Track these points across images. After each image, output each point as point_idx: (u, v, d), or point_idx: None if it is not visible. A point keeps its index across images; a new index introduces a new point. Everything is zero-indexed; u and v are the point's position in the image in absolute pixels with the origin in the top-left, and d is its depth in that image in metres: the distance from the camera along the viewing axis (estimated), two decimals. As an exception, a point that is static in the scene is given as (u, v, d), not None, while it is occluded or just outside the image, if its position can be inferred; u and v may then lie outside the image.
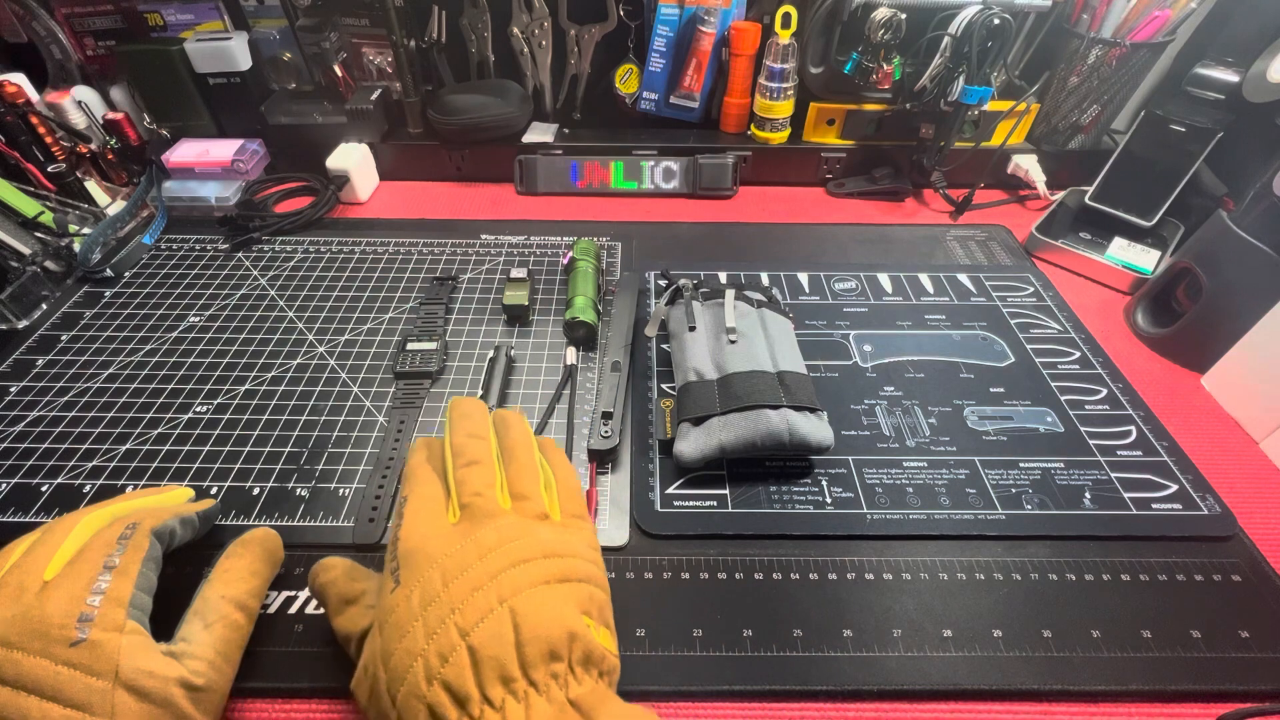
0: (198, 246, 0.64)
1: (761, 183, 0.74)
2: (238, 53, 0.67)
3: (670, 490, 0.42)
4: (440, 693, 0.23)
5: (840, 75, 0.66)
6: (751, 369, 0.43)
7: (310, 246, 0.64)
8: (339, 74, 0.70)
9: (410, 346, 0.51)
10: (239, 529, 0.37)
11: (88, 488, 0.42)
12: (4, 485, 0.42)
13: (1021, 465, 0.43)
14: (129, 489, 0.42)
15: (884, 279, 0.60)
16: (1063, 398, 0.48)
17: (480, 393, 0.48)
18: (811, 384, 0.44)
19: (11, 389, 0.49)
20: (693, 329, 0.47)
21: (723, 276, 0.58)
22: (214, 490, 0.42)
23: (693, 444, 0.41)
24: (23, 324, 0.54)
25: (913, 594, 0.37)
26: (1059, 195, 0.67)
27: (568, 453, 0.44)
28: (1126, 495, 0.42)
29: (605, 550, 0.39)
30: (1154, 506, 0.41)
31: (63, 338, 0.53)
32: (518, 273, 0.56)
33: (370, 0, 0.65)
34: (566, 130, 0.73)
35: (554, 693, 0.23)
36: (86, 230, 0.61)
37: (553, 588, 0.26)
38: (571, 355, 0.50)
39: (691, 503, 0.41)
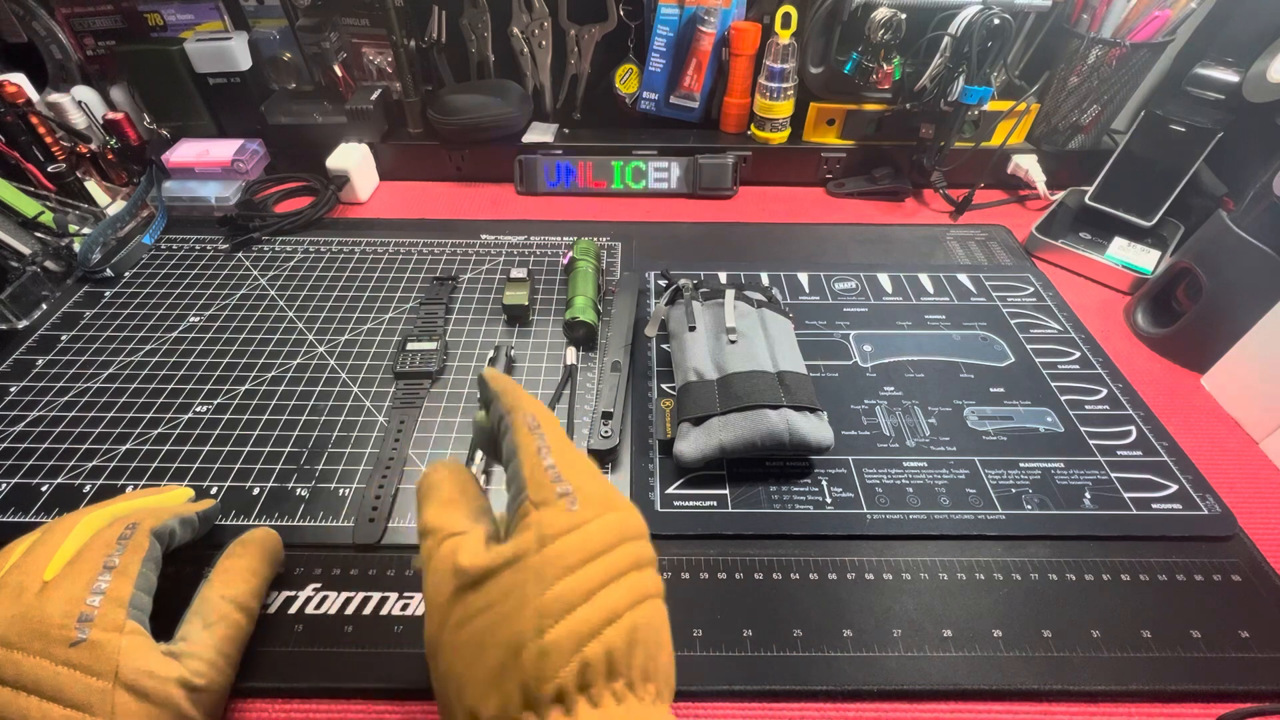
0: (198, 246, 0.64)
1: (761, 183, 0.74)
2: (238, 53, 0.67)
3: (670, 490, 0.42)
4: (600, 652, 0.20)
5: (840, 75, 0.66)
6: (751, 369, 0.43)
7: (310, 246, 0.64)
8: (339, 74, 0.70)
9: (410, 346, 0.51)
10: (239, 529, 0.37)
11: (88, 488, 0.42)
12: (4, 485, 0.42)
13: (1021, 465, 0.43)
14: (129, 489, 0.42)
15: (884, 279, 0.60)
16: (1063, 398, 0.48)
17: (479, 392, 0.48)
18: (811, 384, 0.44)
19: (11, 389, 0.49)
20: (693, 329, 0.47)
21: (723, 276, 0.58)
22: (214, 490, 0.42)
23: (693, 444, 0.41)
24: (23, 324, 0.54)
25: (913, 594, 0.37)
26: (1059, 195, 0.67)
27: (568, 453, 0.44)
28: (1126, 495, 0.42)
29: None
30: (1154, 506, 0.41)
31: (63, 338, 0.53)
32: (518, 273, 0.56)
33: (370, 0, 0.65)
34: (566, 130, 0.73)
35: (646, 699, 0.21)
36: (86, 230, 0.61)
37: (651, 609, 0.23)
38: (571, 355, 0.50)
39: (691, 503, 0.41)
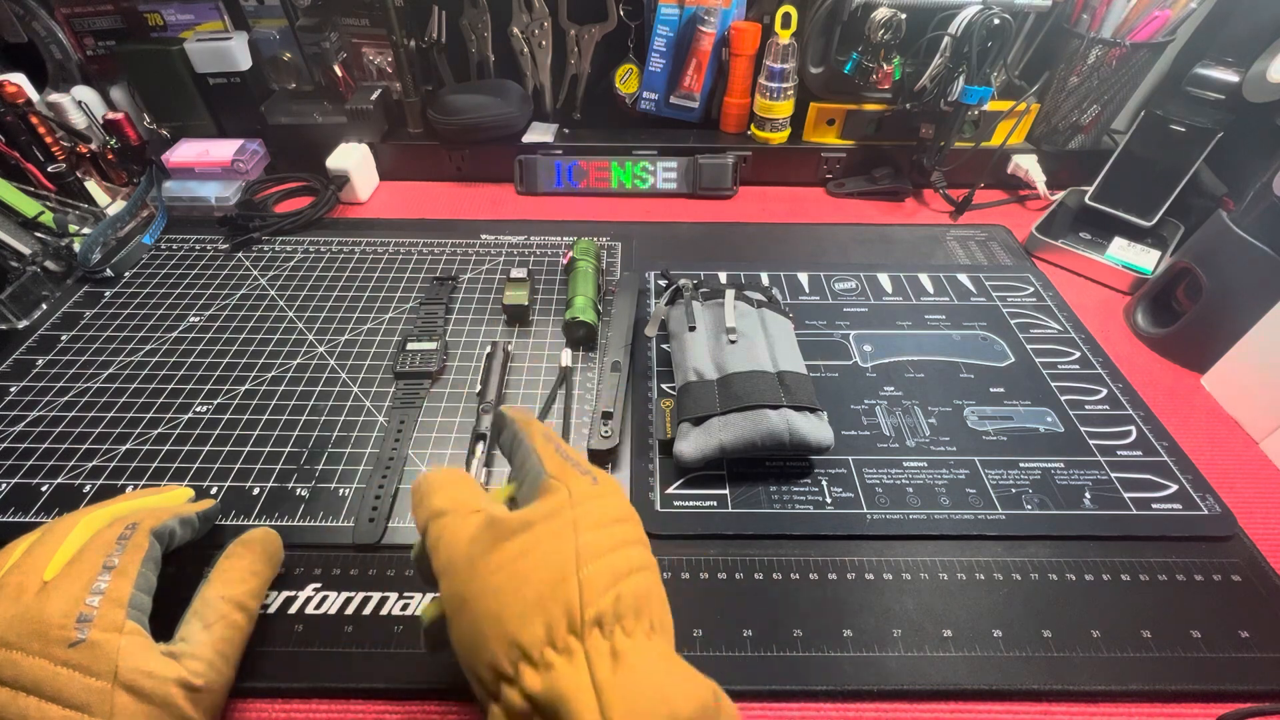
0: (198, 246, 0.64)
1: (761, 183, 0.74)
2: (238, 53, 0.67)
3: (670, 490, 0.42)
4: (628, 592, 0.23)
5: (840, 75, 0.66)
6: (751, 369, 0.43)
7: (310, 246, 0.64)
8: (339, 74, 0.70)
9: (410, 346, 0.51)
10: (239, 529, 0.37)
11: (88, 488, 0.42)
12: (4, 485, 0.42)
13: (1021, 465, 0.43)
14: (129, 489, 0.42)
15: (884, 279, 0.60)
16: (1063, 398, 0.48)
17: (479, 389, 0.48)
18: (811, 384, 0.44)
19: (11, 389, 0.49)
20: (693, 329, 0.47)
21: (723, 276, 0.58)
22: (214, 490, 0.42)
23: (693, 444, 0.41)
24: (23, 324, 0.54)
25: (913, 594, 0.37)
26: (1059, 195, 0.67)
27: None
28: (1126, 495, 0.42)
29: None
30: (1154, 506, 0.41)
31: (63, 338, 0.53)
32: (518, 273, 0.56)
33: (370, 0, 0.65)
34: (566, 130, 0.73)
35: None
36: (86, 230, 0.61)
37: (655, 577, 0.25)
38: (567, 357, 0.50)
39: (691, 503, 0.41)
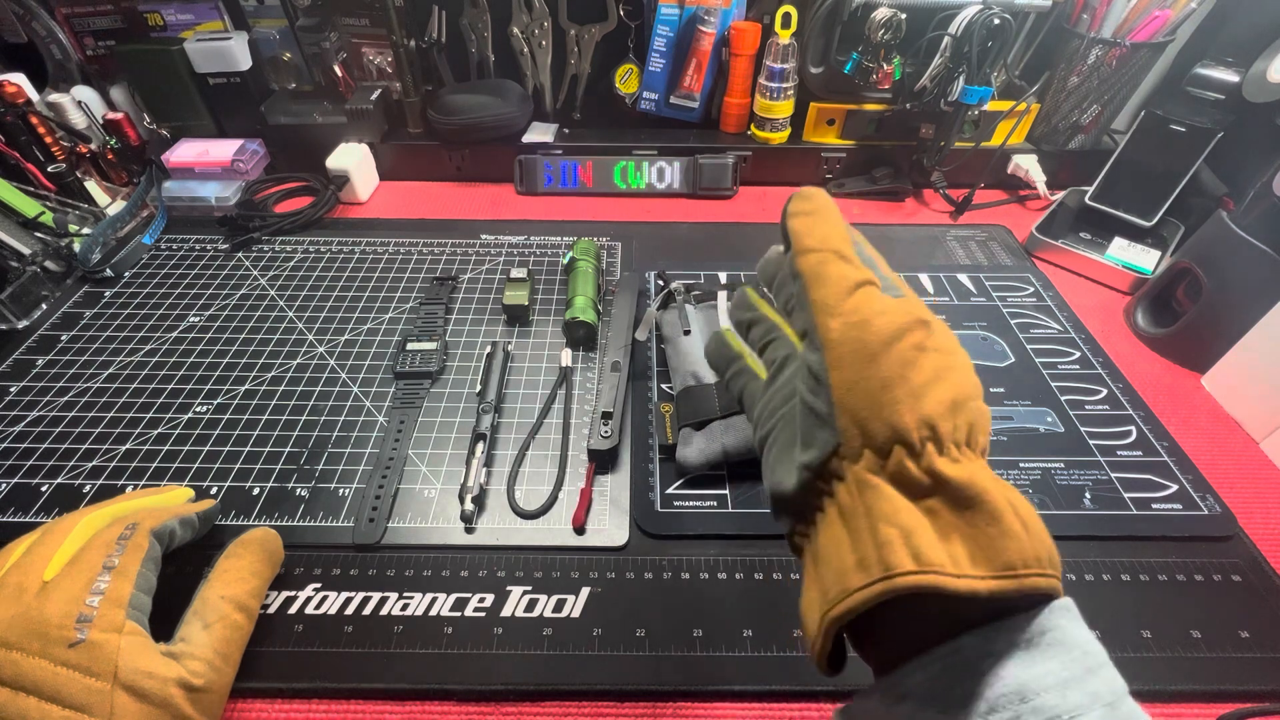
0: (198, 246, 0.64)
1: (761, 183, 0.74)
2: (238, 53, 0.67)
3: (670, 490, 0.42)
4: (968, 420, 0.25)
5: (840, 75, 0.66)
6: (751, 369, 0.43)
7: (310, 246, 0.64)
8: (339, 74, 0.70)
9: (410, 346, 0.51)
10: (239, 529, 0.37)
11: (88, 488, 0.42)
12: (4, 485, 0.42)
13: (1021, 465, 0.43)
14: (129, 489, 0.42)
15: (884, 279, 0.60)
16: (1063, 398, 0.48)
17: (479, 389, 0.48)
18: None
19: (11, 389, 0.49)
20: (687, 333, 0.47)
21: (723, 277, 0.58)
22: (214, 490, 0.42)
23: (695, 450, 0.41)
24: (23, 324, 0.54)
25: (913, 594, 0.37)
26: (1059, 195, 0.67)
27: (564, 454, 0.44)
28: (1126, 495, 0.42)
29: (605, 550, 0.39)
30: (1154, 506, 0.41)
31: (63, 338, 0.53)
32: (518, 273, 0.56)
33: (370, 0, 0.65)
34: (566, 130, 0.73)
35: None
36: (86, 230, 0.61)
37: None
38: (567, 357, 0.50)
39: (691, 503, 0.41)
